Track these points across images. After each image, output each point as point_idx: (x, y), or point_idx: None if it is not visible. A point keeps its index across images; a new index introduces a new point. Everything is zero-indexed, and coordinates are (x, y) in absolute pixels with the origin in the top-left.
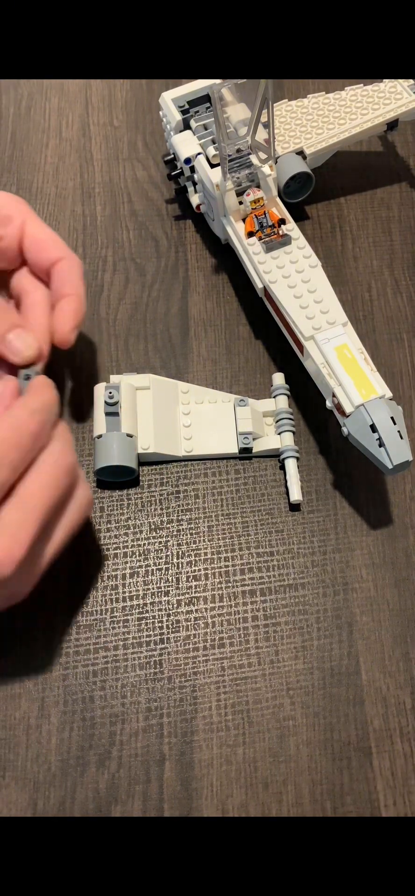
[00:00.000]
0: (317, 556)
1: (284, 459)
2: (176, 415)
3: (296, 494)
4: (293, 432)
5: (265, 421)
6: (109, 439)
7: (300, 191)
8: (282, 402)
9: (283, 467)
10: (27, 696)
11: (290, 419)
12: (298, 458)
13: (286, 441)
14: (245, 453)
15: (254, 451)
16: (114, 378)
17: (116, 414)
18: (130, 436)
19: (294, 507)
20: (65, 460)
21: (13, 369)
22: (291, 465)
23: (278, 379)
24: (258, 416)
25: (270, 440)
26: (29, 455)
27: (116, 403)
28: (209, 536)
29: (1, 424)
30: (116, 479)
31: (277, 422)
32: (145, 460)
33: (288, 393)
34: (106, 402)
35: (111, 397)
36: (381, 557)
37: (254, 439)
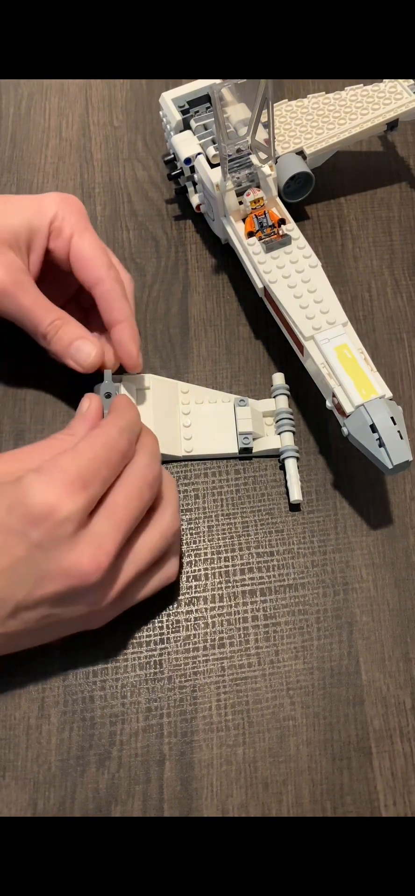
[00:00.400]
0: (317, 556)
1: (284, 459)
2: (176, 415)
3: (296, 494)
4: (293, 432)
5: (265, 421)
6: None
7: (300, 191)
8: (282, 402)
9: (283, 467)
10: (27, 696)
11: (290, 419)
12: (298, 458)
13: (286, 441)
14: (245, 453)
15: (254, 451)
16: (114, 378)
17: None
18: None
19: (294, 507)
20: (149, 474)
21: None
22: (291, 465)
23: (278, 379)
24: (258, 416)
25: (270, 440)
26: (117, 470)
27: None
28: (209, 536)
29: (94, 442)
30: None
31: (277, 422)
32: None
33: (288, 393)
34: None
35: (111, 398)
36: (381, 557)
37: (254, 439)
